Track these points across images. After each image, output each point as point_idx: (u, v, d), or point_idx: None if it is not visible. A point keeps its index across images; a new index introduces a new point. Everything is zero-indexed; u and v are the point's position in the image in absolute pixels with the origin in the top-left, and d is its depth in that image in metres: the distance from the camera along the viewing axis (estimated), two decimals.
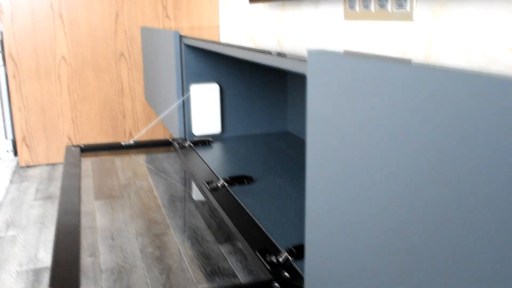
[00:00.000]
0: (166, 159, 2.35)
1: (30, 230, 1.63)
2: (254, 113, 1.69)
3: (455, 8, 0.97)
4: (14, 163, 2.39)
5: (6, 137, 2.42)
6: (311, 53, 0.67)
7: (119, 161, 2.32)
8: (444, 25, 1.01)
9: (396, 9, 1.12)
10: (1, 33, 2.29)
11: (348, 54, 0.59)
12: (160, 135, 2.52)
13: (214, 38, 1.30)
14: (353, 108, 0.58)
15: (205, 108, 1.59)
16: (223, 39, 1.27)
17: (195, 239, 1.54)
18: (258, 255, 0.84)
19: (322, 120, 0.66)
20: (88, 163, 2.28)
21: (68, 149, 1.49)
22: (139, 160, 2.35)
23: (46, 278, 1.34)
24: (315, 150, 0.68)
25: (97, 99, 2.36)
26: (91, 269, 1.38)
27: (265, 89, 1.67)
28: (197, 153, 1.46)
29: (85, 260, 1.43)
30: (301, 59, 0.74)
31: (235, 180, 1.19)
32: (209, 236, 1.55)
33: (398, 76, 0.50)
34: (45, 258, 1.45)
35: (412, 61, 0.51)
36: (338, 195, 0.63)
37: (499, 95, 0.38)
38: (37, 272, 1.37)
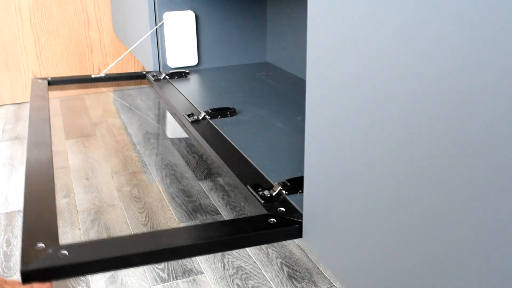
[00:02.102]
0: (138, 95, 2.24)
1: None
2: (232, 43, 1.59)
3: None
4: None
5: None
6: None
7: (88, 98, 2.21)
8: None
9: None
10: None
11: None
12: (130, 71, 2.41)
13: None
14: (359, 24, 0.51)
15: (180, 38, 1.49)
16: None
17: (173, 176, 1.48)
18: (250, 189, 0.78)
19: (324, 42, 0.58)
20: (56, 102, 2.17)
21: (34, 82, 1.38)
22: (110, 96, 2.25)
23: (19, 221, 1.27)
24: (316, 75, 0.61)
25: (62, 33, 2.22)
26: (66, 210, 1.31)
27: (243, 17, 1.57)
28: (174, 86, 1.38)
29: (60, 201, 1.36)
30: None
31: (218, 112, 1.12)
32: (188, 173, 1.49)
33: None
34: (17, 201, 1.37)
35: None
36: (340, 121, 0.57)
37: None
38: (9, 216, 1.29)
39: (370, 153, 0.53)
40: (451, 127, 0.42)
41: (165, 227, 1.23)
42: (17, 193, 1.41)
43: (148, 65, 1.58)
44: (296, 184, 0.78)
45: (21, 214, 1.30)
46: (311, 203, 0.66)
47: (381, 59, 0.49)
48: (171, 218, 1.27)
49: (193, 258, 1.11)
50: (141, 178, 1.47)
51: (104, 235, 1.20)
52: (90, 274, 0.65)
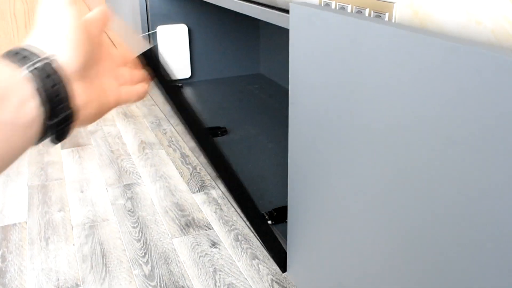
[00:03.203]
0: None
1: None
2: (225, 55, 1.61)
3: None
4: None
5: None
6: (294, 5, 0.60)
7: None
8: None
9: None
10: None
11: (329, 9, 0.53)
12: None
13: None
14: (334, 63, 0.53)
15: (174, 51, 1.50)
16: None
17: (167, 189, 1.49)
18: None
19: (305, 77, 0.60)
20: None
21: None
22: None
23: (15, 236, 1.28)
24: (298, 107, 0.63)
25: None
26: (61, 225, 1.33)
27: (236, 29, 1.59)
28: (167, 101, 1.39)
29: (54, 215, 1.37)
30: (283, 12, 0.67)
31: (209, 131, 1.14)
32: (182, 185, 1.51)
33: (376, 35, 0.44)
34: (12, 214, 1.39)
35: (388, 20, 0.46)
36: (322, 156, 0.58)
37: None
38: (4, 230, 1.31)
39: (352, 186, 0.55)
40: (435, 161, 0.44)
41: (158, 243, 1.25)
42: (12, 205, 1.43)
43: None
44: (281, 214, 0.80)
45: (17, 228, 1.32)
46: (295, 237, 0.68)
47: (360, 91, 0.51)
48: (164, 233, 1.28)
49: (185, 276, 1.13)
50: (135, 190, 1.49)
51: (98, 251, 1.22)
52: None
